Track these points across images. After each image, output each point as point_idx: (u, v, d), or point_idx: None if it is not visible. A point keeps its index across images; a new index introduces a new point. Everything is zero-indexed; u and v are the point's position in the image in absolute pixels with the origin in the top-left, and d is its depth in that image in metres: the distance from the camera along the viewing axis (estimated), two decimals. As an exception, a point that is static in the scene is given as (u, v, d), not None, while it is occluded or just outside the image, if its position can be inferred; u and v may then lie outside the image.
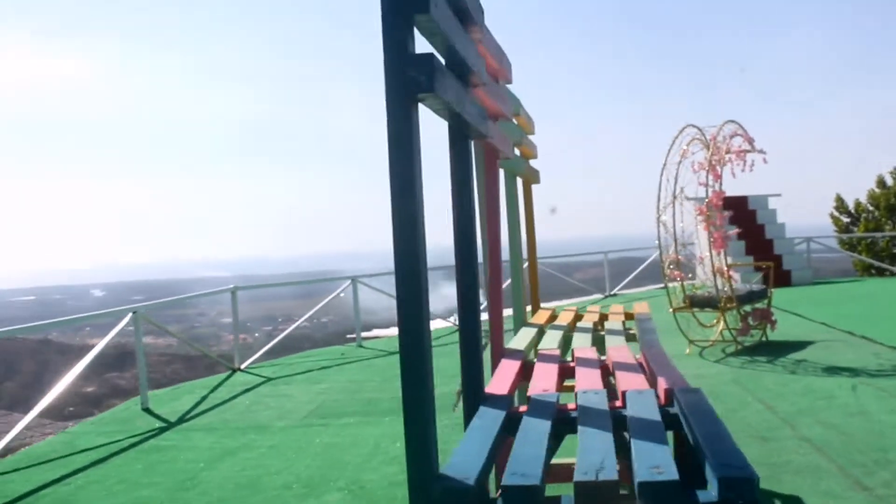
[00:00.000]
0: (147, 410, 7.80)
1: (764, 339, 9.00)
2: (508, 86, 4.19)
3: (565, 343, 3.79)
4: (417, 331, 1.81)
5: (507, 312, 4.72)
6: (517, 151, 4.78)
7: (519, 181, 4.80)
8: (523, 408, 2.48)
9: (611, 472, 1.73)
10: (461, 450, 2.04)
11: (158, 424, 7.20)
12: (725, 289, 8.68)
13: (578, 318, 4.73)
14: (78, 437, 6.89)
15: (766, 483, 4.57)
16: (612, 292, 16.15)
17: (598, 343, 3.84)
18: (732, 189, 11.82)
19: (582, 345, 3.59)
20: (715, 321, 9.14)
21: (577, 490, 1.71)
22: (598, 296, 15.95)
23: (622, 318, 4.59)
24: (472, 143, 2.68)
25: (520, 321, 4.45)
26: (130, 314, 7.92)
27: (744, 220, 15.32)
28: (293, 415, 7.26)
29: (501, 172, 4.38)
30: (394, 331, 13.71)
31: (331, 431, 6.52)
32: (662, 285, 9.33)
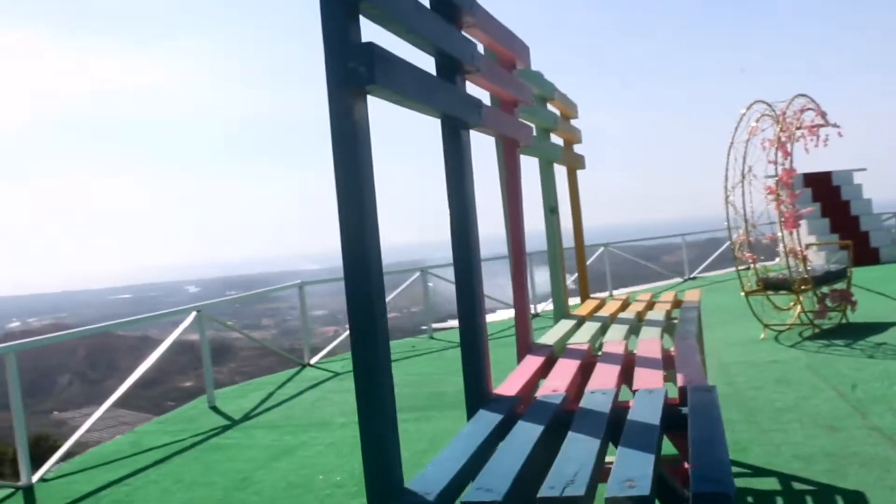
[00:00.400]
0: (214, 408, 7.89)
1: (844, 321, 8.62)
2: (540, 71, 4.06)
3: (601, 336, 3.63)
4: (371, 331, 1.70)
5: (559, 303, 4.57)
6: (557, 138, 4.63)
7: (560, 168, 4.65)
8: (531, 410, 2.36)
9: (579, 488, 1.60)
10: (439, 459, 1.94)
11: (222, 422, 7.26)
12: (800, 270, 8.34)
13: (625, 307, 4.56)
14: (144, 437, 7.00)
15: (829, 477, 4.34)
16: (692, 275, 15.76)
17: (635, 335, 3.68)
18: (815, 165, 11.36)
19: (613, 338, 3.43)
20: (792, 304, 8.80)
21: (539, 506, 1.59)
22: (678, 279, 15.58)
23: (669, 306, 4.39)
24: (469, 133, 2.57)
25: (560, 313, 4.31)
26: (194, 313, 8.01)
27: (828, 196, 14.73)
28: (356, 411, 7.25)
29: (535, 161, 4.25)
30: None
31: (390, 427, 6.47)
32: (744, 267, 9.01)
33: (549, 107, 4.33)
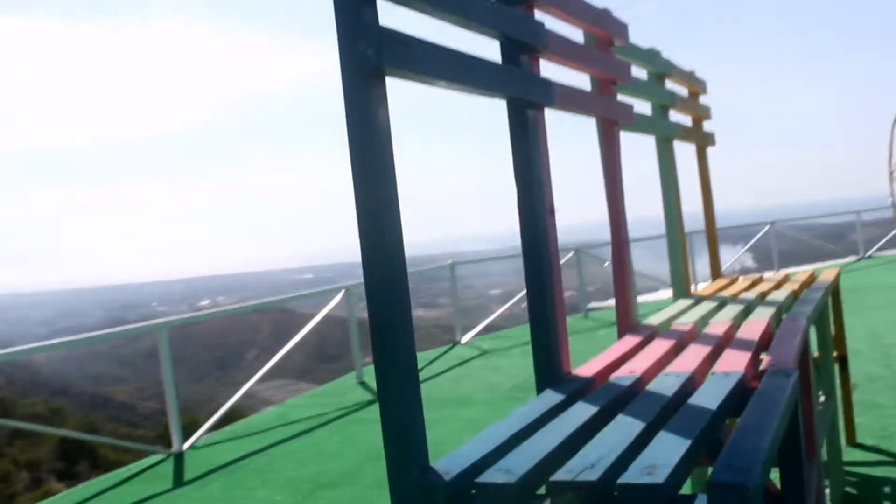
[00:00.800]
0: (362, 384, 8.14)
1: None
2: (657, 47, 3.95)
3: (713, 316, 3.50)
4: (393, 324, 1.72)
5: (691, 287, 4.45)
6: (681, 115, 4.50)
7: (683, 146, 4.51)
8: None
9: (595, 473, 1.56)
10: (478, 437, 1.94)
11: (367, 397, 7.49)
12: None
13: (753, 286, 4.37)
14: (292, 409, 7.32)
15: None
16: (868, 254, 14.87)
17: (749, 315, 3.52)
18: None
19: (723, 318, 3.30)
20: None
21: (549, 489, 1.57)
22: (853, 258, 14.75)
23: (798, 286, 4.18)
24: (537, 113, 2.53)
25: (679, 294, 4.18)
26: (343, 291, 8.29)
27: None
28: (497, 388, 7.30)
29: (652, 139, 4.13)
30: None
31: (527, 405, 6.49)
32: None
33: (669, 83, 4.21)
